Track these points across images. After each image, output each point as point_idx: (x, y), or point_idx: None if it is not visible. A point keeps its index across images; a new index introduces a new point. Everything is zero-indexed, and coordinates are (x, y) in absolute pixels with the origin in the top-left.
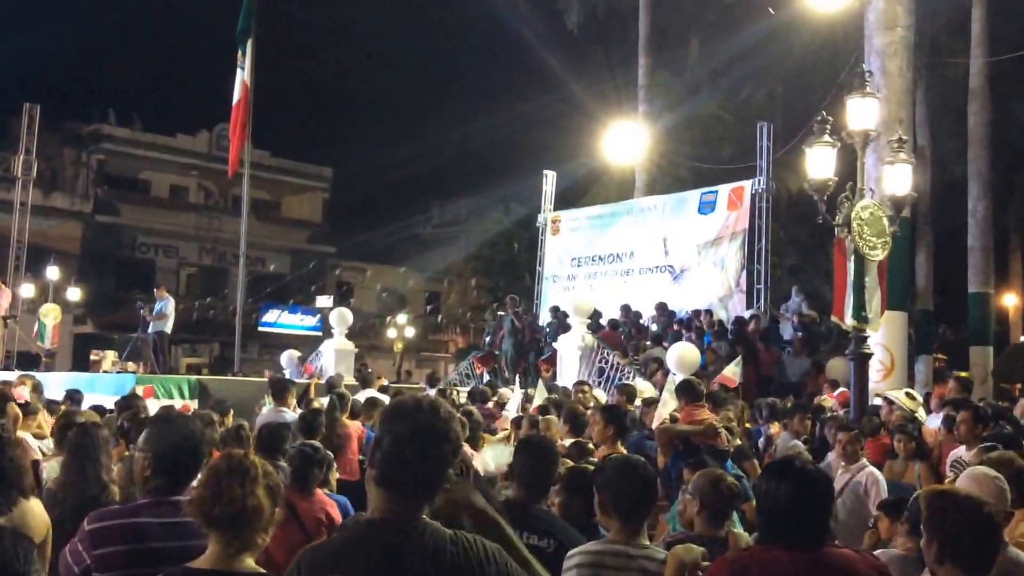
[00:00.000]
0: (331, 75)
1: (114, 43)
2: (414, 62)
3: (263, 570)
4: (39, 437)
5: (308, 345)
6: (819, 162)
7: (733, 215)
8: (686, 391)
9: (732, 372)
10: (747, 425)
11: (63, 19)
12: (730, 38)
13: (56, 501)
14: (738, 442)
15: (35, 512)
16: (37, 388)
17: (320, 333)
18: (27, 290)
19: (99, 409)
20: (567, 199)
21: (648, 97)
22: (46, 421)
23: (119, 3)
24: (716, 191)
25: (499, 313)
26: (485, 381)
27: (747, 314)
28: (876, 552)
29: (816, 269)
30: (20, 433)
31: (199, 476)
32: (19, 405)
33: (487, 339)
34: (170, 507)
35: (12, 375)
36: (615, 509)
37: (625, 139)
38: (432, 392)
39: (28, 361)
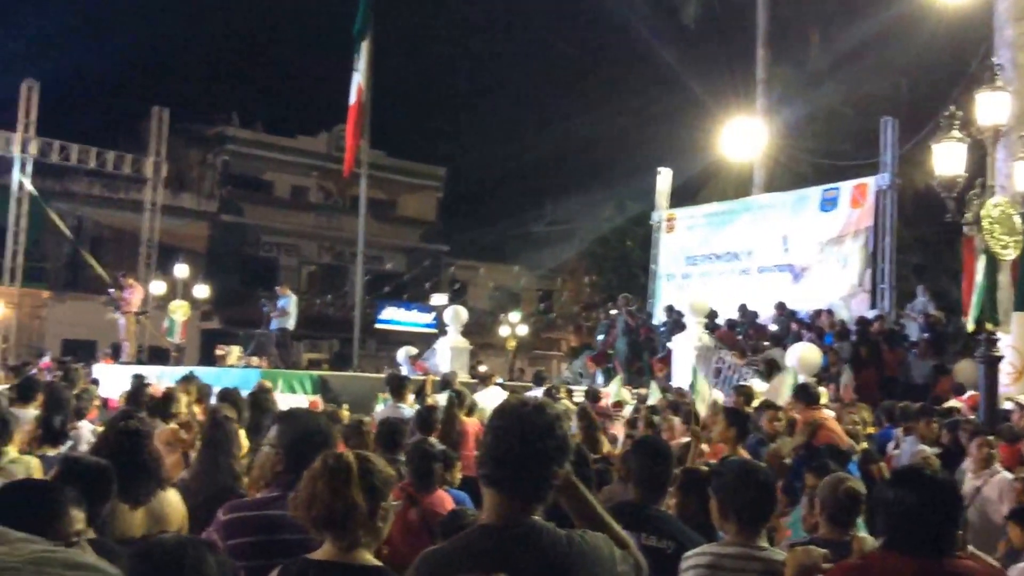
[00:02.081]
0: (445, 75)
1: (237, 47)
2: (528, 60)
3: (379, 563)
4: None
5: (423, 342)
6: (947, 158)
7: (856, 212)
8: (803, 394)
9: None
10: (871, 430)
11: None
12: (851, 29)
13: (191, 492)
14: (864, 446)
15: (172, 502)
16: (202, 391)
17: (435, 330)
18: (158, 287)
19: (230, 396)
20: (682, 196)
21: (767, 91)
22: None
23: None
24: (838, 188)
25: (612, 312)
26: (598, 380)
27: (871, 314)
28: (1010, 566)
29: (943, 268)
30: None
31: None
32: (159, 399)
33: (600, 338)
34: None
35: (146, 369)
36: (733, 512)
37: (742, 135)
38: (540, 391)
39: (158, 356)
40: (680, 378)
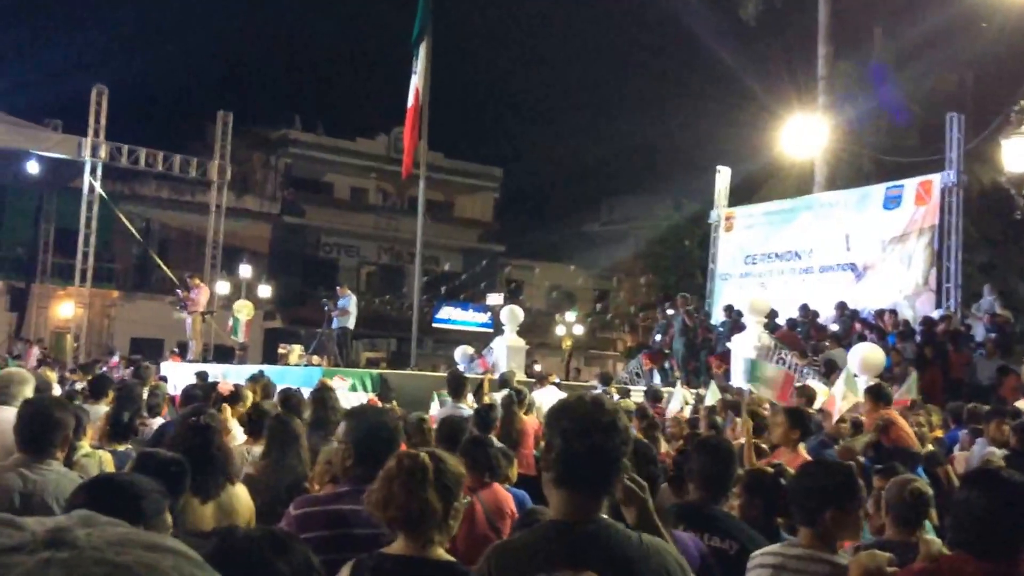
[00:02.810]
0: (502, 76)
1: (299, 52)
2: (584, 60)
3: (451, 559)
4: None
5: (479, 341)
6: (1017, 154)
7: (921, 210)
8: (874, 394)
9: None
10: (938, 433)
11: (252, 31)
12: (916, 24)
13: (258, 487)
14: (930, 447)
15: (241, 497)
16: (267, 389)
17: (491, 330)
18: (222, 287)
19: (291, 393)
20: (741, 195)
21: (828, 88)
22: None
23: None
24: (902, 185)
25: (669, 311)
26: (655, 380)
27: (936, 314)
28: None
29: (1010, 266)
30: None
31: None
32: (226, 395)
33: (657, 337)
34: None
35: (210, 367)
36: (804, 516)
37: (803, 132)
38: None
39: (223, 354)
40: (739, 378)
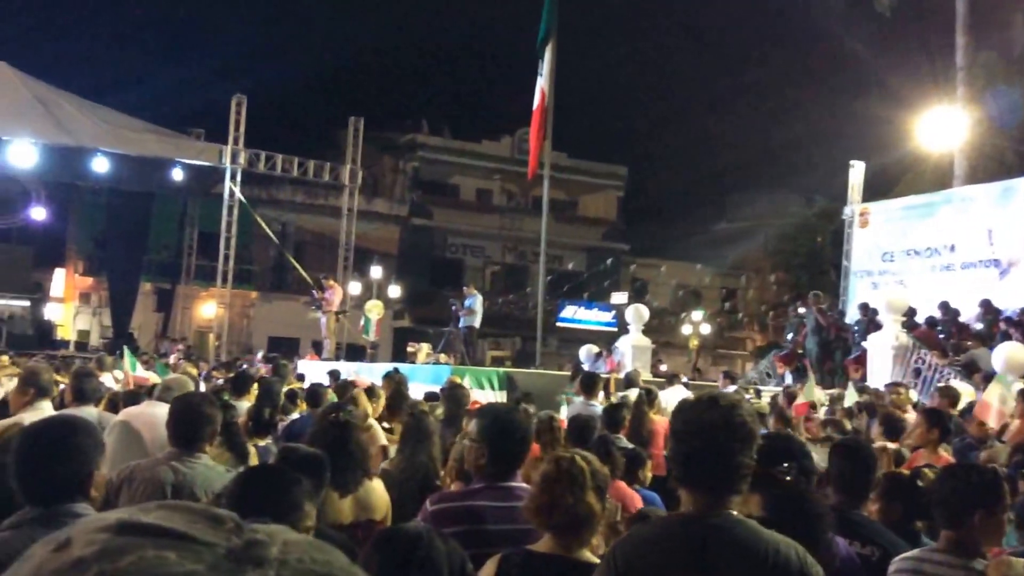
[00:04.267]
0: (627, 75)
1: (425, 58)
2: (710, 54)
3: (596, 559)
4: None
5: (603, 341)
6: None
7: None
8: None
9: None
10: None
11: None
12: None
13: (394, 482)
14: None
15: (377, 491)
16: (402, 383)
17: (615, 329)
18: (354, 288)
19: (431, 396)
20: (876, 190)
21: (968, 79)
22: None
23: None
24: None
25: (801, 310)
26: (786, 381)
27: None
28: None
29: None
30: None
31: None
32: (364, 391)
33: (788, 337)
34: (502, 492)
35: (343, 365)
36: (946, 520)
37: (941, 125)
38: (731, 389)
39: (355, 352)
40: (876, 379)
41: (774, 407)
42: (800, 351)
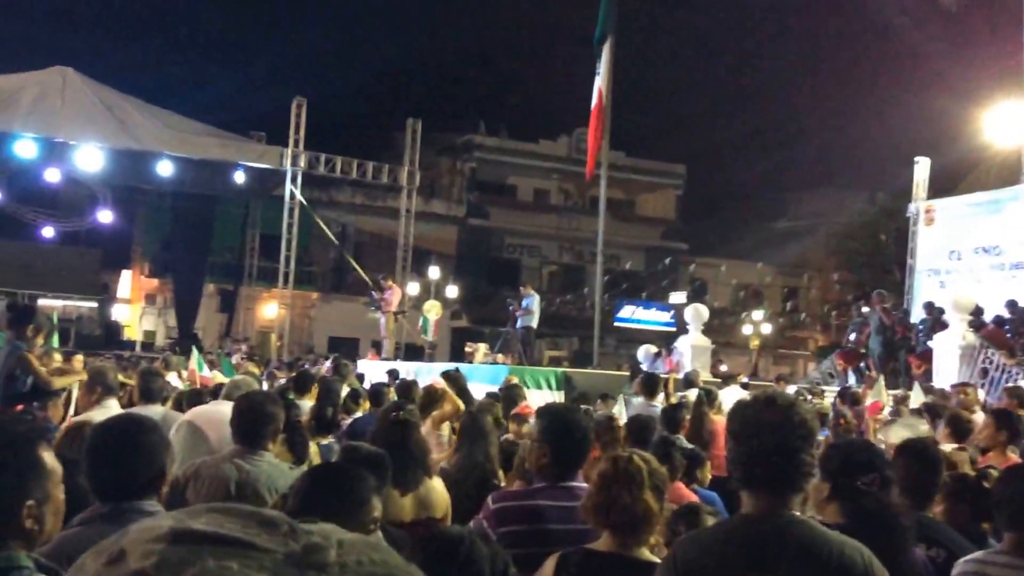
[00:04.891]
0: (684, 73)
1: (482, 59)
2: (769, 50)
3: (657, 559)
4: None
5: (661, 341)
6: None
7: None
8: None
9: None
10: None
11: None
12: None
13: (451, 481)
14: None
15: (438, 490)
16: (459, 383)
17: (674, 329)
18: (412, 288)
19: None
20: (942, 186)
21: None
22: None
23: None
24: None
25: (864, 309)
26: (850, 380)
27: None
28: None
29: None
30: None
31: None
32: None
33: (851, 336)
34: (563, 492)
35: (402, 364)
36: (1010, 521)
37: (1008, 120)
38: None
39: (413, 352)
40: (941, 379)
41: (833, 408)
42: (863, 350)
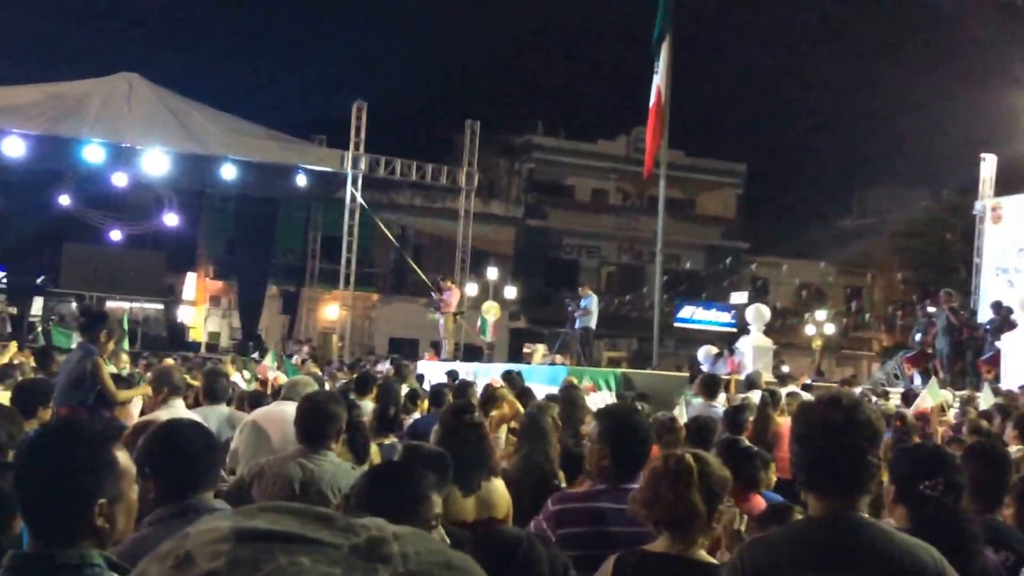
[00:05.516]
0: (744, 70)
1: (540, 60)
2: (830, 46)
3: (713, 560)
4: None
5: (722, 341)
6: None
7: None
8: None
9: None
10: None
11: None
12: None
13: (511, 481)
14: None
15: (500, 490)
16: (515, 383)
17: (734, 329)
18: (471, 289)
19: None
20: (1010, 183)
21: None
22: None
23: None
24: None
25: (930, 309)
26: (917, 382)
27: None
28: None
29: None
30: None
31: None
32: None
33: (917, 337)
34: (624, 494)
35: (460, 365)
36: None
37: None
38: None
39: (472, 353)
40: (1010, 379)
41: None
42: (930, 351)
